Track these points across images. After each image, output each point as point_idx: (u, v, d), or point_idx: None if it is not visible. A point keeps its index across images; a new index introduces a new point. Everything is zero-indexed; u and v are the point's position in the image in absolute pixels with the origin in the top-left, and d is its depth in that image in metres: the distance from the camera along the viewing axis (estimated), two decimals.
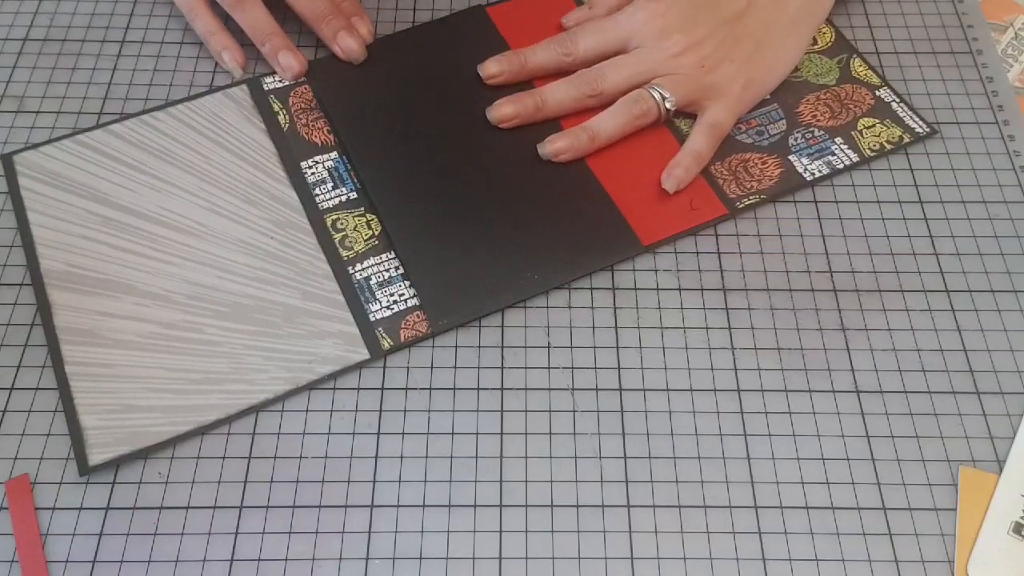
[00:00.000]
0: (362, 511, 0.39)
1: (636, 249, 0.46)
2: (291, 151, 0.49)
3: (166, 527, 0.38)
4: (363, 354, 0.43)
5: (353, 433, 0.41)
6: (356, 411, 0.41)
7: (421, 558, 0.38)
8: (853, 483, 0.40)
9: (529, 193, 0.48)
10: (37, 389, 0.42)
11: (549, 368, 0.43)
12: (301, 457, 0.40)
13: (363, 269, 0.45)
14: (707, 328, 0.44)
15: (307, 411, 0.41)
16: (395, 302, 0.44)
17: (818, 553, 0.38)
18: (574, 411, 0.42)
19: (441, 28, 0.55)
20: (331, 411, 0.41)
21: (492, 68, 0.50)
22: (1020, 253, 0.47)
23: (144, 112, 0.51)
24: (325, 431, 0.41)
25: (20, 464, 0.40)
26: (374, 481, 0.40)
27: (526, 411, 0.42)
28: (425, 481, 0.40)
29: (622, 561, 0.38)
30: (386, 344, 0.43)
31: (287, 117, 0.50)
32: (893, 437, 0.41)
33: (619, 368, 0.43)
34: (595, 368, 0.43)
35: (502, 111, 0.49)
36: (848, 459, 0.40)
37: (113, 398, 0.41)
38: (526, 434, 0.41)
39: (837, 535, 0.39)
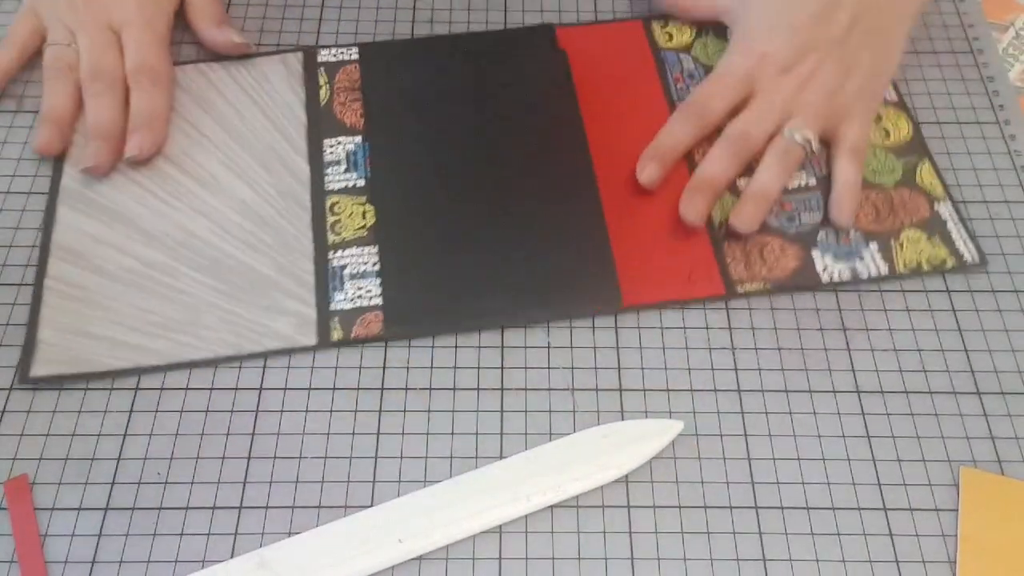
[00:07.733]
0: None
1: (615, 307, 0.44)
2: (319, 126, 0.50)
3: (166, 527, 0.38)
4: (311, 340, 0.43)
5: (353, 433, 0.41)
6: (356, 411, 0.41)
7: (421, 558, 0.38)
8: (854, 484, 0.40)
9: (528, 225, 0.46)
10: (36, 389, 0.42)
11: (549, 368, 0.43)
12: (301, 457, 0.40)
13: (343, 256, 0.45)
14: (707, 328, 0.44)
15: (307, 411, 0.41)
16: (360, 296, 0.44)
17: (819, 554, 0.38)
18: (574, 411, 0.42)
19: (503, 40, 0.53)
20: (331, 411, 0.41)
21: (650, 174, 0.47)
22: (1020, 253, 0.47)
23: (200, 60, 0.52)
24: (325, 431, 0.41)
25: (20, 464, 0.40)
26: (374, 481, 0.40)
27: (526, 411, 0.42)
28: (425, 481, 0.40)
29: (622, 561, 0.38)
30: (336, 335, 0.43)
31: (329, 91, 0.51)
32: (894, 437, 0.41)
33: (619, 368, 0.43)
34: (595, 368, 0.43)
35: (694, 214, 0.45)
36: (849, 459, 0.40)
37: (74, 319, 0.43)
38: (526, 434, 0.41)
39: (838, 535, 0.39)
